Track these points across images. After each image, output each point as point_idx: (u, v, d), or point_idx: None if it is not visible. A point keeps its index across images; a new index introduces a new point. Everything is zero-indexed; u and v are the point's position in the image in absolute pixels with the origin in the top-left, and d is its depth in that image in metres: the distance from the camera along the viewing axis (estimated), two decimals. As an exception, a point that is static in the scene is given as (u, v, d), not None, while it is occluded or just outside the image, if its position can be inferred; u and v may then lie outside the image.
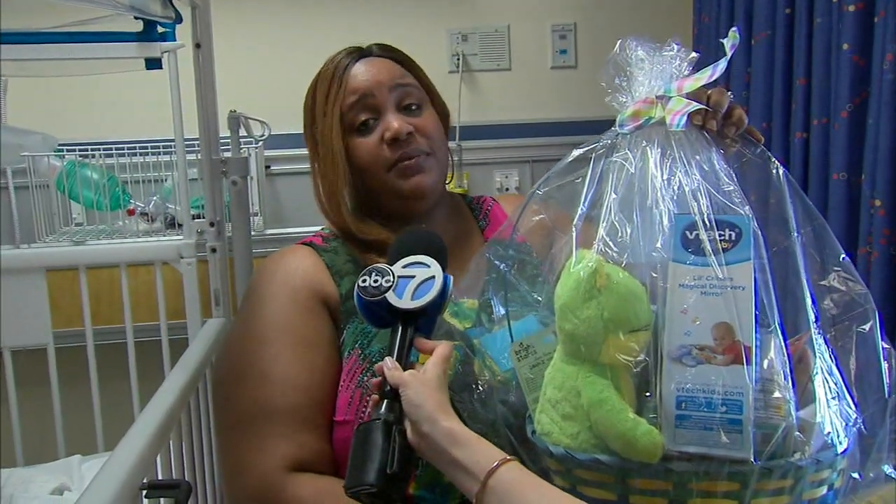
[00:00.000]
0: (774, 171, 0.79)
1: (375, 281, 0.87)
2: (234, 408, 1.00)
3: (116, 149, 1.94)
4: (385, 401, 0.79)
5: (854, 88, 1.50)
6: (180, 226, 1.82)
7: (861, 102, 1.50)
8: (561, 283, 0.76)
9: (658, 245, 0.74)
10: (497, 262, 0.89)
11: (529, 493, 0.70)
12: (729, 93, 0.81)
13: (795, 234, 0.76)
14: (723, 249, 0.71)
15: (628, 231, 0.76)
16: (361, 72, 1.08)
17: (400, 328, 0.86)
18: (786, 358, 0.70)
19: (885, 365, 0.74)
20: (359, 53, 1.11)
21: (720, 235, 0.71)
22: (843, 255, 0.77)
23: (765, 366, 0.70)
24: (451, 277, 0.88)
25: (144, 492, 0.91)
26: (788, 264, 0.75)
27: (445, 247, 0.92)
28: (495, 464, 0.71)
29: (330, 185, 1.08)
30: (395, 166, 1.05)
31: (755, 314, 0.69)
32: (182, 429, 1.15)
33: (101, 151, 1.93)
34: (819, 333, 0.73)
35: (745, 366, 0.68)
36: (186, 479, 1.15)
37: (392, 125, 1.04)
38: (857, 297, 0.77)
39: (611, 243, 0.75)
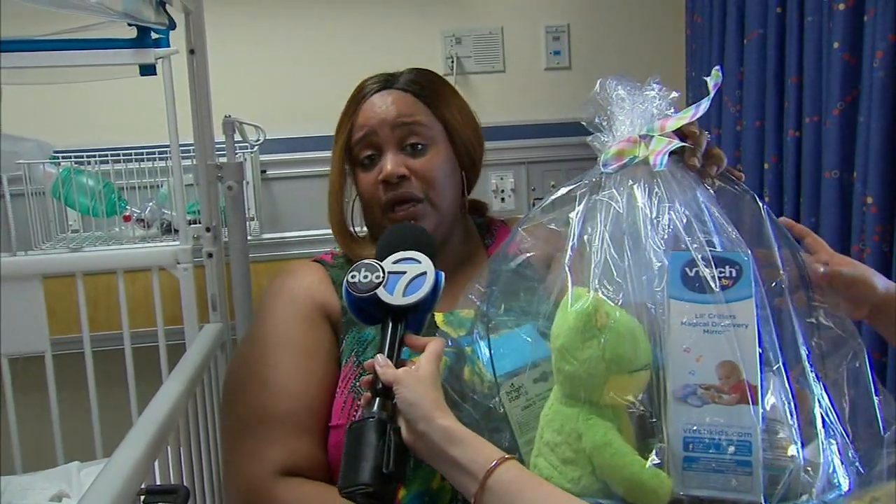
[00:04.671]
0: (757, 208, 0.79)
1: (365, 276, 0.85)
2: (234, 413, 1.02)
3: (112, 155, 1.94)
4: (377, 399, 0.78)
5: (845, 86, 1.50)
6: (176, 231, 1.82)
7: (852, 100, 1.50)
8: (558, 323, 0.74)
9: (654, 283, 0.73)
10: (497, 273, 0.88)
11: (529, 493, 0.69)
12: (707, 133, 0.82)
13: (782, 272, 0.76)
14: (723, 287, 0.70)
15: (622, 269, 0.74)
16: (371, 107, 1.09)
17: (390, 325, 0.84)
18: (790, 397, 0.69)
19: (877, 400, 0.74)
20: (383, 84, 1.11)
21: (720, 273, 0.71)
22: None
23: (769, 405, 0.69)
24: (443, 274, 0.87)
25: (142, 497, 0.91)
26: (773, 301, 0.74)
27: (434, 243, 0.92)
28: (494, 463, 0.70)
29: (330, 207, 1.14)
30: (388, 210, 1.06)
31: (759, 353, 0.69)
32: (180, 434, 1.16)
33: (97, 158, 1.93)
34: (812, 370, 0.72)
35: (751, 405, 0.66)
36: (185, 484, 1.15)
37: (385, 167, 1.06)
38: (845, 334, 0.78)
39: (605, 282, 0.74)
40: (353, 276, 0.86)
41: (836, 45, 1.50)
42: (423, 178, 1.07)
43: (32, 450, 1.83)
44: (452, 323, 1.01)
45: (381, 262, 0.87)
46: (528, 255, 0.86)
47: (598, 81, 0.83)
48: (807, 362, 0.72)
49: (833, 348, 0.76)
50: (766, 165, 1.77)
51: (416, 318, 0.87)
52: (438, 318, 1.02)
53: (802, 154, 1.65)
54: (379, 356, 0.82)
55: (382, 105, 1.09)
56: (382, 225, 1.07)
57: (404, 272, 0.86)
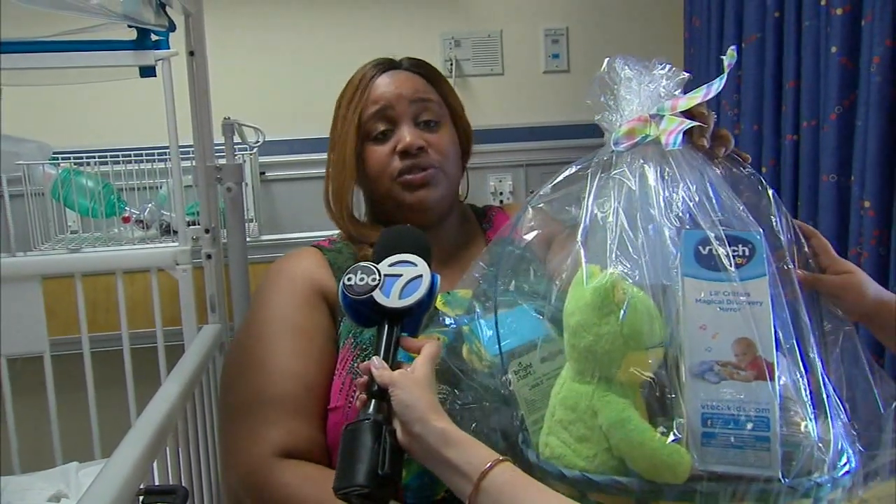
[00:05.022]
0: (764, 190, 0.80)
1: (361, 279, 0.86)
2: (233, 396, 1.03)
3: (111, 156, 1.94)
4: (373, 400, 0.79)
5: (842, 91, 1.51)
6: (175, 233, 1.83)
7: (850, 104, 1.51)
8: (573, 300, 0.74)
9: (668, 261, 0.73)
10: (499, 255, 0.89)
11: (522, 495, 0.69)
12: (713, 113, 0.82)
13: (787, 253, 0.76)
14: (737, 265, 0.71)
15: (636, 246, 0.75)
16: (385, 83, 1.11)
17: (386, 327, 0.85)
18: (803, 374, 0.70)
19: (872, 379, 0.75)
20: (387, 65, 1.14)
21: (733, 251, 0.71)
22: None
23: (783, 382, 0.69)
24: (438, 276, 0.88)
25: (141, 498, 0.91)
26: (781, 281, 0.75)
27: (430, 245, 0.93)
28: (488, 465, 0.71)
29: (337, 188, 1.12)
30: (400, 177, 1.07)
31: (774, 330, 0.69)
32: (179, 434, 1.16)
33: (96, 159, 1.93)
34: (817, 350, 0.73)
35: (768, 381, 0.67)
36: (183, 484, 1.15)
37: (405, 138, 1.07)
38: (841, 316, 0.78)
39: (622, 259, 0.74)
40: (349, 279, 0.86)
41: (833, 49, 1.51)
42: (439, 150, 1.10)
43: (31, 450, 1.83)
44: (451, 303, 1.02)
45: (378, 264, 0.87)
46: (534, 233, 0.87)
47: (606, 61, 0.83)
48: (813, 342, 0.73)
49: (830, 330, 0.77)
50: (763, 169, 1.78)
51: (412, 320, 0.87)
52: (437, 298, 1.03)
53: (800, 158, 1.66)
54: (375, 358, 0.82)
55: (395, 82, 1.11)
56: (393, 194, 1.08)
57: (400, 275, 0.86)
